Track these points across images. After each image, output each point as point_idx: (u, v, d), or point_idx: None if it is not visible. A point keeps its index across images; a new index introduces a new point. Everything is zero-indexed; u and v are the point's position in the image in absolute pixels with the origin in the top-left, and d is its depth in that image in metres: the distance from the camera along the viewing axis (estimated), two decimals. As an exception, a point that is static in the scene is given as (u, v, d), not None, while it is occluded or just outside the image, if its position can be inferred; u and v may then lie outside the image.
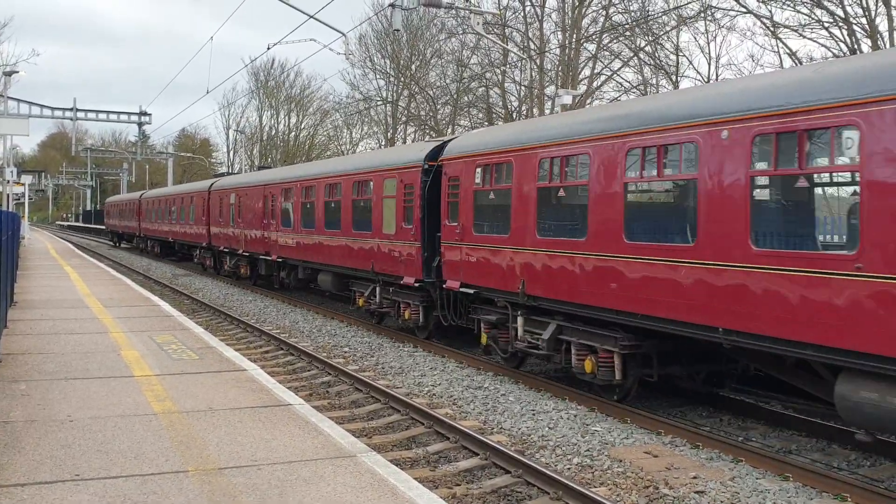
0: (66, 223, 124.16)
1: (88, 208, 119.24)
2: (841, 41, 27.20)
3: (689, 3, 33.89)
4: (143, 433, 7.71)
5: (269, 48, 42.63)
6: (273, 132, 79.10)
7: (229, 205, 31.28)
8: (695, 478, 8.65)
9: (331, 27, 25.44)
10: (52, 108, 71.87)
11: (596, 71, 40.70)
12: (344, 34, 25.97)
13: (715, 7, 32.58)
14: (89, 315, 16.45)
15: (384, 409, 11.79)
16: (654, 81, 39.78)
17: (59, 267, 31.28)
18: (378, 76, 55.38)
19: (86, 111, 74.42)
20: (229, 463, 6.87)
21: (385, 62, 54.67)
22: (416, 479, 7.28)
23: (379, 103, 55.72)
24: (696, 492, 8.24)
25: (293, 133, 77.38)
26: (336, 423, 8.71)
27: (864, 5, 26.31)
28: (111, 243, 65.19)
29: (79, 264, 33.48)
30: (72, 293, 20.83)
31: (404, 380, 13.92)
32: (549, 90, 34.79)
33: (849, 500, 7.95)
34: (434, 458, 9.57)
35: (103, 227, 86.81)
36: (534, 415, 11.40)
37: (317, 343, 17.81)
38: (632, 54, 39.19)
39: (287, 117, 78.17)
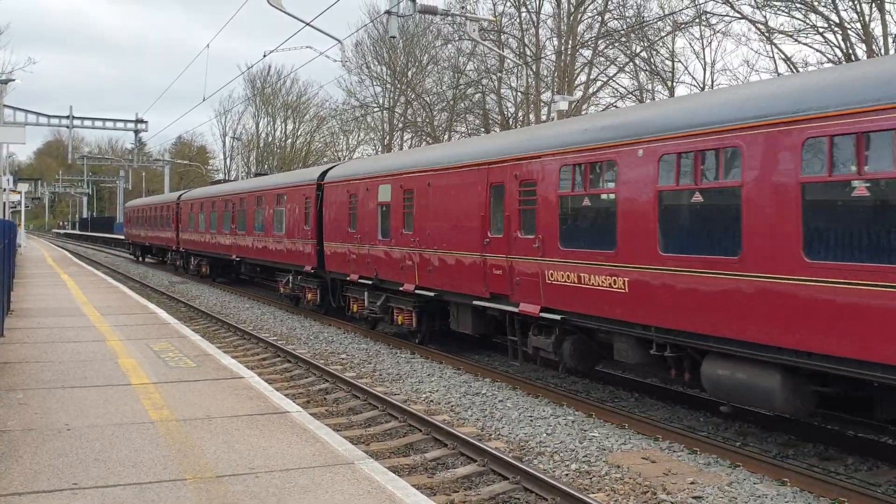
0: (62, 231, 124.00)
1: (85, 216, 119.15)
2: (836, 46, 27.30)
3: (685, 8, 34.01)
4: (140, 441, 7.70)
5: (265, 55, 42.72)
6: (270, 139, 79.17)
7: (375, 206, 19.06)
8: (692, 483, 8.66)
9: (327, 34, 25.44)
10: (49, 116, 71.78)
11: (592, 77, 40.81)
12: (340, 41, 26.04)
13: (710, 13, 32.70)
14: (86, 323, 16.43)
15: (382, 415, 11.79)
16: (649, 87, 39.89)
17: (55, 275, 31.25)
18: (374, 83, 55.50)
19: (82, 119, 74.32)
20: (227, 471, 6.87)
21: (381, 69, 54.79)
22: (413, 485, 7.28)
23: (375, 110, 55.81)
24: (694, 497, 8.25)
25: (290, 140, 77.44)
26: (334, 431, 8.71)
27: (859, 10, 26.42)
28: (132, 257, 54.79)
29: (76, 272, 33.45)
30: (69, 301, 20.81)
31: (402, 386, 13.92)
32: (546, 96, 34.87)
33: (846, 503, 7.95)
34: (432, 465, 9.56)
35: (102, 234, 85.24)
36: (531, 421, 11.40)
37: (314, 350, 17.81)
38: (627, 60, 39.29)
39: (283, 124, 78.26)
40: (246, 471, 6.88)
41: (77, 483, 6.50)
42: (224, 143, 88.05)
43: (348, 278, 19.84)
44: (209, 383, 10.58)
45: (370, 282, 18.73)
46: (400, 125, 53.99)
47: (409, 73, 52.28)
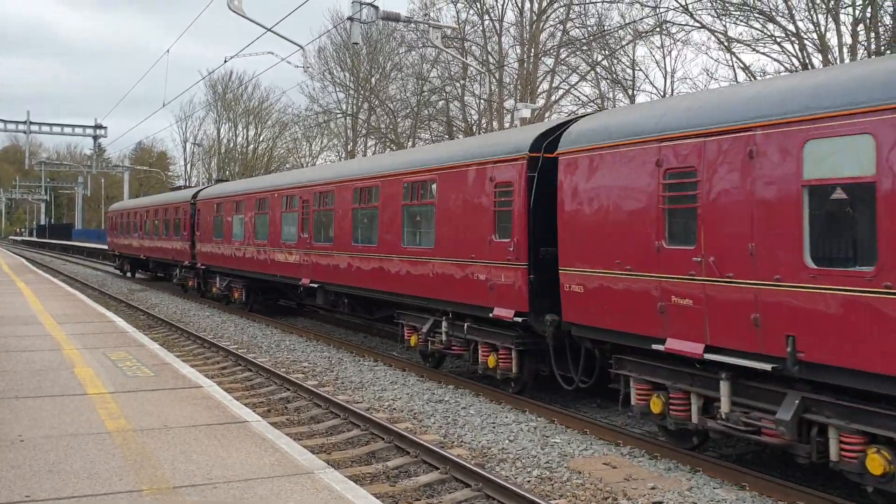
0: (19, 238, 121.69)
1: (43, 222, 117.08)
2: (793, 55, 27.79)
3: (645, 17, 34.39)
4: (96, 452, 7.56)
5: (226, 60, 42.35)
6: (231, 145, 78.54)
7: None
8: (653, 488, 8.72)
9: (289, 40, 25.35)
10: (5, 122, 70.38)
11: (554, 85, 41.09)
12: (302, 47, 25.91)
13: (670, 22, 33.11)
14: (42, 332, 16.12)
15: (344, 424, 11.71)
16: (611, 95, 40.26)
17: (11, 282, 30.63)
18: (338, 89, 55.36)
19: (40, 124, 72.79)
20: (184, 482, 6.76)
21: (344, 75, 54.68)
22: (374, 494, 7.24)
23: (339, 116, 55.64)
24: (654, 502, 8.30)
25: (251, 146, 76.89)
26: (294, 440, 8.63)
27: (815, 21, 26.93)
28: (118, 272, 45.04)
29: (32, 279, 32.82)
30: (25, 309, 20.40)
31: (364, 394, 13.85)
32: (509, 104, 35.01)
33: (803, 507, 8.06)
34: (394, 473, 9.52)
35: (60, 241, 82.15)
36: (494, 427, 11.40)
37: (275, 358, 17.65)
38: (589, 68, 39.62)
39: (245, 130, 77.71)
40: (204, 481, 6.78)
41: (30, 495, 6.35)
42: (185, 148, 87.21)
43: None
44: (167, 393, 10.43)
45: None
46: (363, 131, 53.88)
47: (373, 80, 52.22)
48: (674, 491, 8.62)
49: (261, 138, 76.46)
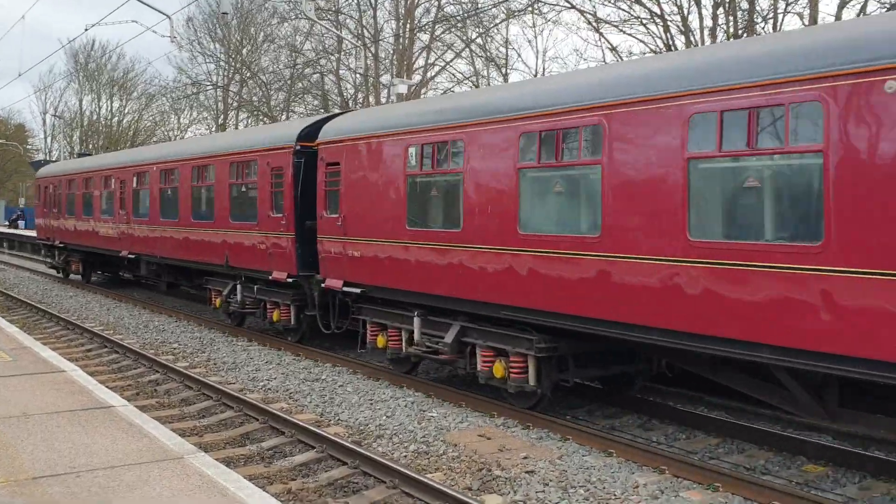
0: None
1: None
2: (658, 37, 28.78)
3: (518, -4, 34.82)
4: (-55, 445, 7.11)
5: (87, 29, 40.19)
6: (95, 117, 74.87)
7: None
8: (525, 458, 8.95)
9: (154, 9, 24.32)
10: None
11: (430, 61, 41.12)
12: (169, 16, 24.89)
13: (542, 2, 33.61)
14: None
15: (216, 406, 11.44)
16: (485, 73, 40.65)
17: None
18: (207, 60, 53.58)
19: None
20: (45, 471, 6.45)
21: (215, 46, 52.96)
22: (248, 476, 7.14)
23: (209, 88, 53.92)
24: (527, 472, 8.52)
25: (116, 118, 73.55)
26: (163, 424, 8.38)
27: (679, 3, 27.94)
28: (55, 273, 30.28)
29: None
30: None
31: (238, 375, 13.58)
32: (385, 79, 34.84)
33: (666, 472, 8.45)
34: (269, 454, 9.39)
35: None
36: (371, 404, 11.41)
37: (143, 340, 17.04)
38: (464, 46, 39.84)
39: (109, 101, 74.19)
40: (66, 470, 6.49)
41: None
42: (44, 121, 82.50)
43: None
44: (27, 378, 9.91)
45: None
46: (235, 104, 52.43)
47: (244, 51, 50.81)
48: (545, 460, 8.87)
49: (126, 110, 73.22)
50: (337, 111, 16.00)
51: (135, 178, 22.15)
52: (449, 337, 11.38)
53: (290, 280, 14.86)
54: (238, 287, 17.02)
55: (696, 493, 7.85)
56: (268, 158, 15.63)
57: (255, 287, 16.49)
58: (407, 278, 12.11)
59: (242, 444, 9.80)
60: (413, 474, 8.07)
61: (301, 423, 9.90)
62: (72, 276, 28.74)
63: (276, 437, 9.88)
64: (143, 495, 5.97)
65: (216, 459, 7.54)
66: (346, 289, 13.49)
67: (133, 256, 22.14)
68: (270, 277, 15.33)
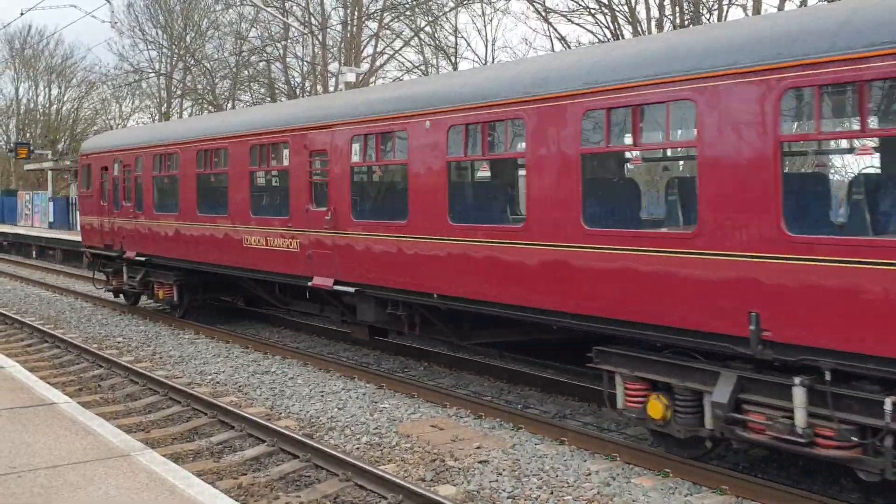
0: None
1: None
2: (606, 27, 28.96)
3: (467, -16, 34.74)
4: None
5: (22, 13, 38.96)
6: (32, 105, 72.75)
7: None
8: (478, 448, 8.93)
9: (94, -7, 23.60)
10: None
11: (379, 50, 40.82)
12: (109, 1, 24.23)
13: (491, -10, 33.58)
14: None
15: (163, 401, 11.20)
16: (434, 62, 40.51)
17: None
18: (150, 47, 52.41)
19: None
20: (-17, 473, 6.23)
21: (157, 32, 51.81)
22: (197, 472, 6.99)
23: (151, 75, 52.81)
24: (480, 461, 8.51)
25: (55, 107, 71.57)
26: (107, 420, 8.19)
27: (626, -6, 28.12)
28: (110, 295, 20.55)
29: None
30: None
31: (185, 369, 13.32)
32: (333, 67, 34.48)
33: (618, 458, 8.51)
34: (218, 449, 9.22)
35: None
36: (322, 396, 11.29)
37: (87, 334, 16.62)
38: (413, 34, 39.64)
39: (47, 89, 72.13)
40: (6, 471, 6.28)
41: None
42: (-22, 108, 79.79)
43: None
44: (-38, 376, 9.57)
45: None
46: (179, 92, 51.44)
47: (188, 38, 49.83)
48: (498, 449, 8.87)
49: (65, 98, 71.27)
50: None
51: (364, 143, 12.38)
52: None
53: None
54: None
55: (647, 480, 7.92)
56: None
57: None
58: None
59: (191, 440, 9.61)
60: (365, 466, 7.99)
61: (251, 417, 9.75)
62: (146, 301, 19.38)
63: (226, 432, 9.71)
64: (88, 495, 5.79)
65: (164, 456, 7.37)
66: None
67: (354, 290, 11.97)
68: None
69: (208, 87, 48.48)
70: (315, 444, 8.70)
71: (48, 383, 9.89)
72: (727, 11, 25.76)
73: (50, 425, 7.54)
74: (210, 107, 46.31)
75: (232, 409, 10.20)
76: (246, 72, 46.08)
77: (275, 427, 9.35)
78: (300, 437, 8.97)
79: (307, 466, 8.44)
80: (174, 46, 50.38)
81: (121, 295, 19.83)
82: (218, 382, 12.35)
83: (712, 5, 26.22)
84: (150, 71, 52.62)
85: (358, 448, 9.12)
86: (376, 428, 9.80)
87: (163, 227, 17.14)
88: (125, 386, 12.11)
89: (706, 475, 7.82)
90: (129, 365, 12.89)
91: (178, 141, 16.85)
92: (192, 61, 49.01)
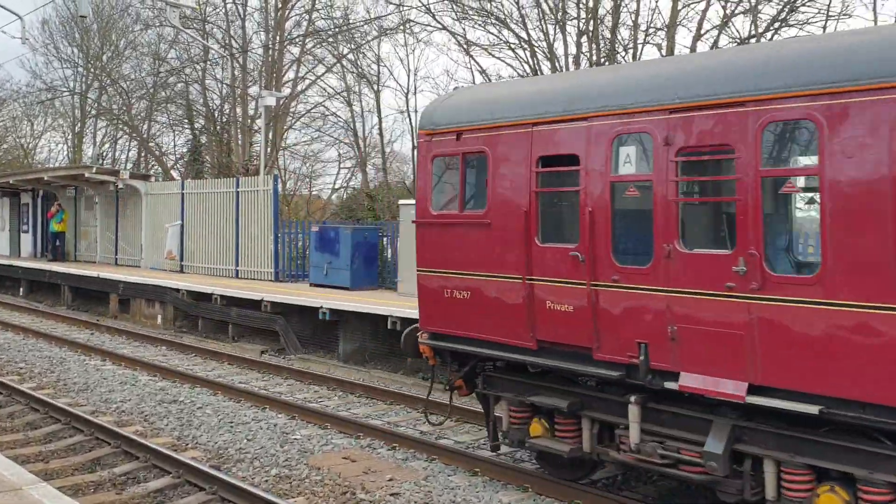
0: None
1: None
2: (525, 62, 29.47)
3: (390, 14, 34.96)
4: None
5: (-72, 25, 37.39)
6: (-64, 120, 69.77)
7: None
8: (391, 480, 8.85)
9: (5, 8, 22.92)
10: None
11: (300, 74, 40.58)
12: (20, 17, 23.53)
13: (413, 21, 33.82)
14: None
15: (65, 429, 10.78)
16: (356, 89, 40.53)
17: None
18: (64, 65, 50.94)
19: None
20: None
21: (72, 50, 50.42)
22: (96, 507, 6.71)
23: (65, 94, 51.31)
24: (392, 494, 8.43)
25: (-38, 123, 68.77)
26: (1, 451, 7.79)
27: (545, 30, 28.71)
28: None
29: None
30: None
31: (90, 397, 12.86)
32: (253, 90, 34.14)
33: (530, 490, 8.55)
34: (121, 480, 8.90)
35: None
36: (232, 427, 11.03)
37: (-15, 359, 15.92)
38: (335, 61, 39.58)
39: (-46, 104, 69.33)
40: None
41: None
42: None
43: None
44: None
45: None
46: (93, 112, 50.11)
47: (104, 58, 48.65)
48: (410, 481, 8.80)
49: (-27, 115, 68.56)
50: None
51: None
52: None
53: None
54: None
55: (557, 511, 7.96)
56: None
57: None
58: None
59: (93, 471, 9.26)
60: (274, 499, 7.83)
61: (156, 448, 9.46)
62: None
63: (130, 463, 9.39)
64: (-24, 532, 5.51)
65: (63, 488, 7.07)
66: None
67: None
68: None
69: (124, 108, 47.35)
70: (222, 477, 8.50)
71: (-61, 412, 9.40)
72: (642, 50, 26.56)
73: (-62, 457, 7.16)
74: (125, 127, 45.23)
75: (137, 438, 9.88)
76: (164, 93, 45.19)
77: (181, 458, 9.09)
78: (207, 469, 8.74)
79: (213, 499, 8.22)
80: (90, 65, 49.11)
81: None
82: (123, 411, 11.95)
83: (627, 44, 27.00)
84: (64, 89, 51.16)
85: (267, 480, 8.92)
86: (286, 460, 9.62)
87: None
88: (25, 414, 11.62)
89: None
90: (30, 392, 12.38)
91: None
92: (108, 81, 47.85)
